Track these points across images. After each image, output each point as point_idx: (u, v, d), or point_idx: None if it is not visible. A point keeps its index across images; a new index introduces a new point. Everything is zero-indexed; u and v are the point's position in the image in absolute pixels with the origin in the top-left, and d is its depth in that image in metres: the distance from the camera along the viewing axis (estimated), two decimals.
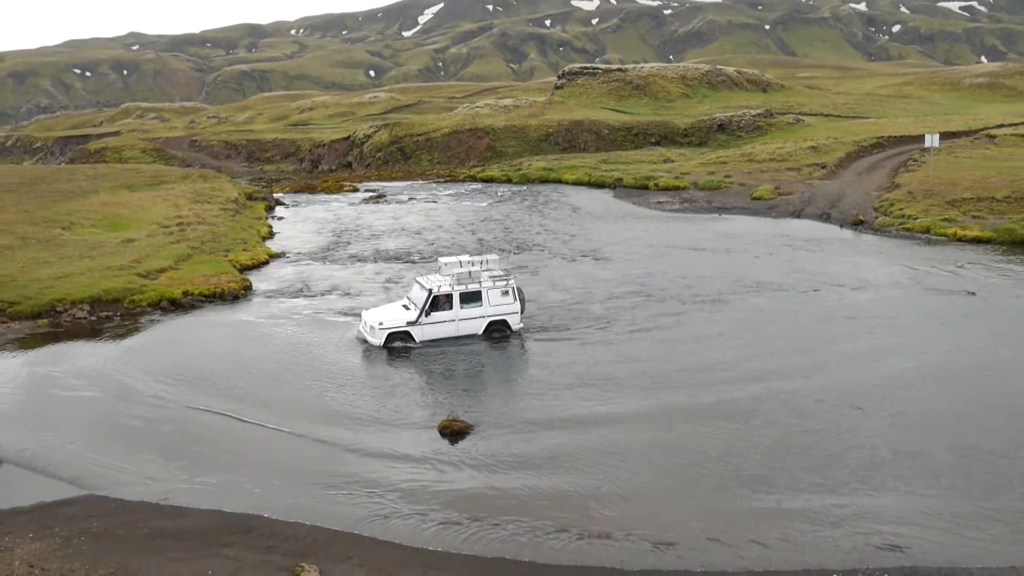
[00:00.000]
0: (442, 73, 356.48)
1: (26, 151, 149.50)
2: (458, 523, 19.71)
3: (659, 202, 67.08)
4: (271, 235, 58.95)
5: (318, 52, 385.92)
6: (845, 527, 18.99)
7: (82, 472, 22.66)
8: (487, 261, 34.67)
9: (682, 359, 30.51)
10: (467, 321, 33.28)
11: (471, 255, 37.27)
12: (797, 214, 59.30)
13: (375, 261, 49.03)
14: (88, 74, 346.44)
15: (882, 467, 21.66)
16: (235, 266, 46.45)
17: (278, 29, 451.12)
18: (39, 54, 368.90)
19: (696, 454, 22.75)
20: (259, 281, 44.47)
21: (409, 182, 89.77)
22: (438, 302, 32.91)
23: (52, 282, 40.50)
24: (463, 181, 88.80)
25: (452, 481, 21.78)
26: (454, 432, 24.36)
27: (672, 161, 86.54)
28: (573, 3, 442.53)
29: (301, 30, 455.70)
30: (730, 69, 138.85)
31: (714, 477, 21.52)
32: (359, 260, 49.46)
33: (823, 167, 72.38)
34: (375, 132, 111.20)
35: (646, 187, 73.84)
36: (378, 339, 32.44)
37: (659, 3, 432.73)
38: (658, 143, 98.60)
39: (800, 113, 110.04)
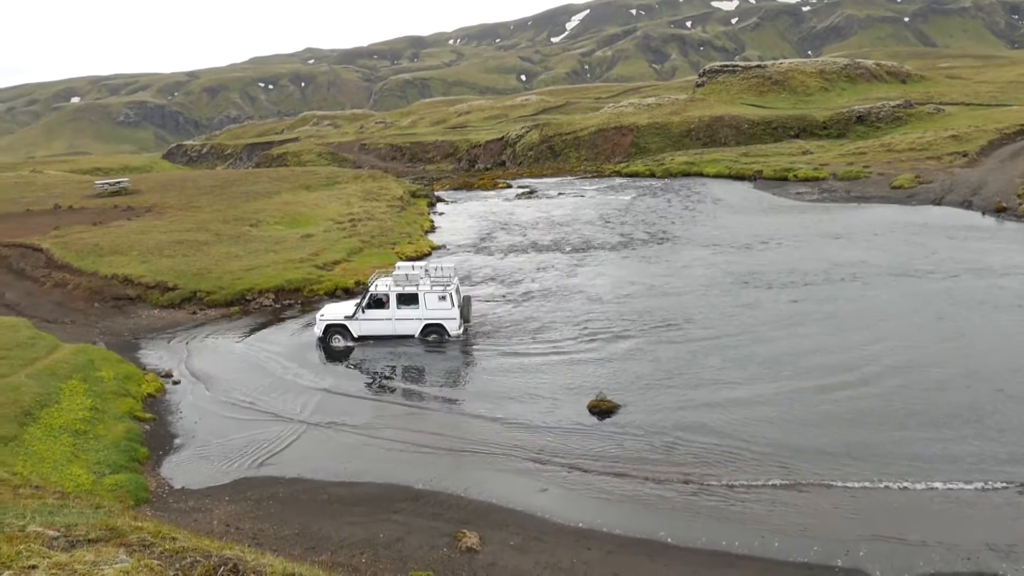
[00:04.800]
0: (588, 75, 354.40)
1: (219, 157, 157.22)
2: (607, 500, 19.62)
3: (798, 192, 64.91)
4: (433, 229, 60.04)
5: (473, 60, 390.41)
6: None
7: None
8: (441, 268, 33.95)
9: (842, 344, 29.54)
10: (403, 322, 32.75)
11: (430, 262, 37.48)
12: (938, 202, 56.26)
13: (527, 252, 49.27)
14: (271, 87, 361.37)
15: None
16: (401, 258, 47.59)
17: (437, 40, 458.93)
18: (228, 71, 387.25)
19: (847, 436, 22.02)
20: None
21: (558, 178, 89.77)
22: (377, 301, 32.81)
23: (242, 273, 42.52)
24: (608, 176, 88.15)
25: (600, 457, 21.70)
26: (603, 411, 24.28)
27: (811, 153, 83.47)
28: (713, 4, 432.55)
29: (458, 40, 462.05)
30: (869, 62, 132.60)
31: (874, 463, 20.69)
32: (513, 251, 49.80)
33: (964, 155, 68.30)
34: (527, 132, 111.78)
35: (785, 178, 71.56)
36: (319, 330, 32.90)
37: (797, 0, 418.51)
38: (797, 136, 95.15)
39: (940, 103, 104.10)
